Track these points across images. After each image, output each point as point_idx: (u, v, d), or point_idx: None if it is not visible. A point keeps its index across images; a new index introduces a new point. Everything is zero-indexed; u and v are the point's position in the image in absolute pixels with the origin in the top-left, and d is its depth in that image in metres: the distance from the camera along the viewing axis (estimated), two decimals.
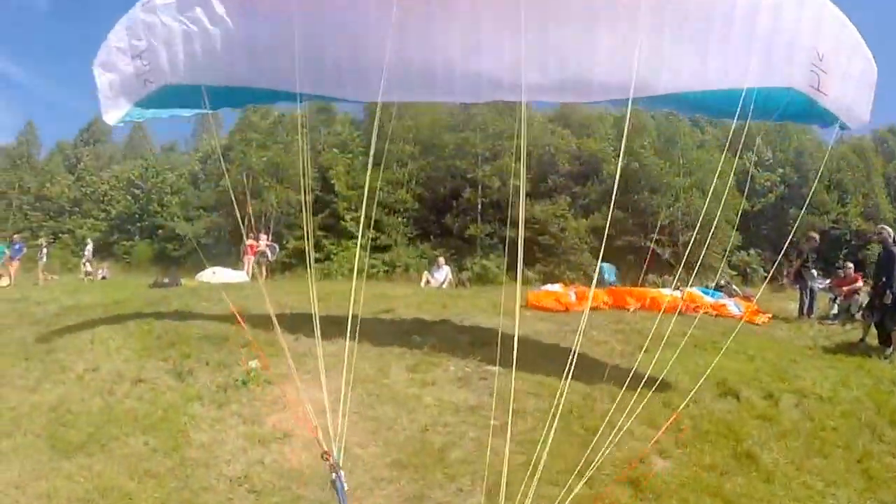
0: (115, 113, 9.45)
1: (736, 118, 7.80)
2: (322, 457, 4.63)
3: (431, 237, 43.99)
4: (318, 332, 6.19)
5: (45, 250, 30.35)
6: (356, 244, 41.66)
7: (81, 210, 57.97)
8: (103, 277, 30.18)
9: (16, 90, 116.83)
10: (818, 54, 7.81)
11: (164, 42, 8.59)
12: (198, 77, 8.84)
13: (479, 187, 43.19)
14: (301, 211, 42.58)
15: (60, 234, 53.19)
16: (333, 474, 4.54)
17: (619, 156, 42.55)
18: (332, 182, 43.38)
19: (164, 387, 9.51)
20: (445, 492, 6.72)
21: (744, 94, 7.44)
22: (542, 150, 44.88)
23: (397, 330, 11.98)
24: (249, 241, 27.71)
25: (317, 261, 40.72)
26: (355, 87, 9.27)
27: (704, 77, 8.12)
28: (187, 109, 10.29)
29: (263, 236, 29.12)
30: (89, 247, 33.74)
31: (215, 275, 24.34)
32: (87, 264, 31.57)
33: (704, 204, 35.66)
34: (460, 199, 44.22)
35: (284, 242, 36.89)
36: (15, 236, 31.71)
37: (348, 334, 5.95)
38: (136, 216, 50.79)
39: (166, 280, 25.44)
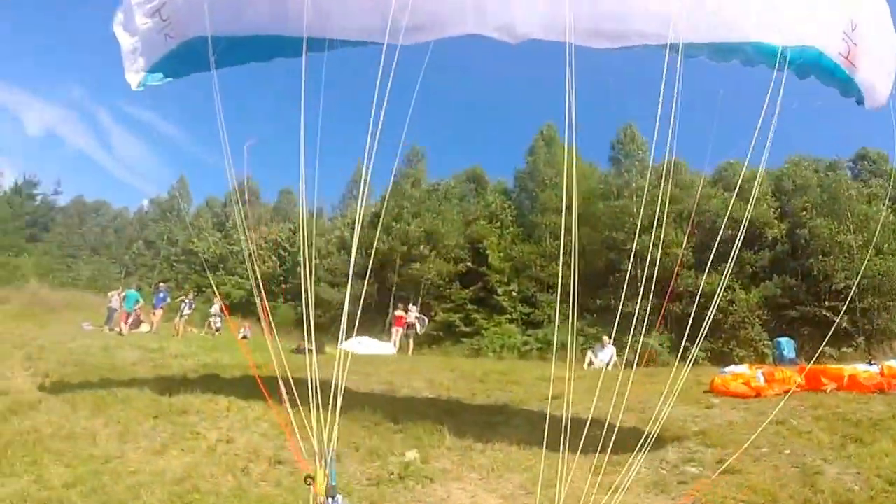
0: (135, 76, 9.02)
1: (775, 70, 6.91)
2: None
3: (587, 314, 41.38)
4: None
5: (189, 303, 30.61)
6: (509, 319, 40.27)
7: (227, 267, 59.73)
8: (244, 337, 30.11)
9: (169, 146, 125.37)
10: (851, 24, 7.45)
11: None
12: (219, 27, 8.24)
13: (637, 258, 40.78)
14: (450, 282, 41.68)
15: (204, 289, 54.77)
16: None
17: (780, 218, 39.83)
18: (486, 253, 42.03)
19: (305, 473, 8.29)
20: None
21: (780, 50, 7.04)
22: (701, 216, 42.06)
23: (572, 420, 10.19)
24: (398, 312, 27.09)
25: (466, 335, 39.79)
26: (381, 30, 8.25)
27: (743, 29, 7.51)
28: (209, 66, 9.11)
29: (413, 307, 28.38)
30: (216, 305, 34.02)
31: (361, 344, 23.41)
32: (214, 320, 31.64)
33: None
34: (619, 272, 41.12)
35: (433, 315, 35.78)
36: (160, 285, 32.77)
37: None
38: (281, 278, 51.60)
39: (310, 348, 24.80)
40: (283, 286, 47.82)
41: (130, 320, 27.83)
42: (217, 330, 30.32)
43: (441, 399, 11.55)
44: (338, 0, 7.84)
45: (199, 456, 9.13)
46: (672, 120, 5.67)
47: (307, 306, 5.31)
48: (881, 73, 8.02)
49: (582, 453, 8.64)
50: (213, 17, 8.02)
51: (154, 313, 28.87)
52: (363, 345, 23.59)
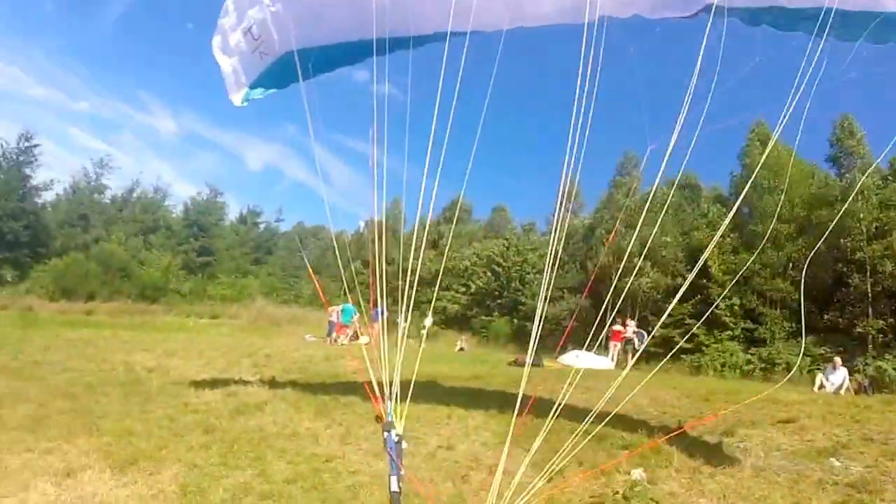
0: (238, 94, 9.57)
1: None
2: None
3: (813, 332, 37.18)
4: None
5: (428, 321, 32.27)
6: (730, 336, 38.36)
7: (442, 283, 61.88)
8: (461, 349, 30.94)
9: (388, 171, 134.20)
10: None
11: (269, 10, 8.60)
12: (307, 39, 8.75)
13: (868, 272, 37.16)
14: (668, 296, 40.27)
15: (420, 304, 56.81)
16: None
17: None
18: (708, 265, 40.25)
19: (526, 483, 8.48)
20: None
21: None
22: None
23: (808, 449, 9.82)
24: (616, 327, 26.91)
25: (686, 352, 38.29)
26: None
27: None
28: (306, 76, 9.38)
29: (631, 322, 28.10)
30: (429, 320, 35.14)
31: (578, 358, 23.50)
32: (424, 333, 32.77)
33: None
34: (847, 287, 37.72)
35: (650, 330, 34.97)
36: (379, 301, 34.41)
37: None
38: (496, 293, 52.35)
39: (522, 360, 25.07)
40: (498, 301, 48.74)
41: (350, 332, 29.77)
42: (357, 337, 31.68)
43: (666, 416, 11.34)
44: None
45: (419, 461, 9.55)
46: None
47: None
48: None
49: (820, 486, 8.29)
50: (300, 30, 8.57)
51: (372, 326, 30.51)
52: (581, 358, 23.58)
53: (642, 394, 13.08)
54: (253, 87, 9.65)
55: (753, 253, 40.45)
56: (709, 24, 5.61)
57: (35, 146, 55.77)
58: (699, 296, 40.07)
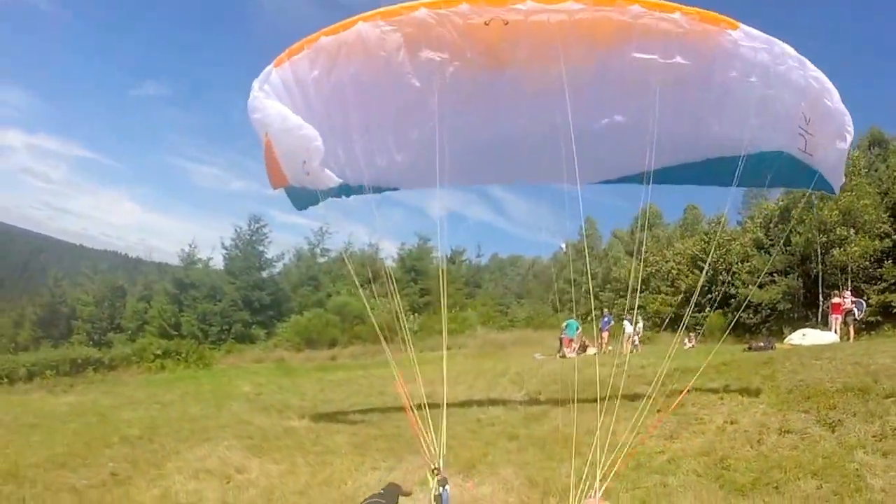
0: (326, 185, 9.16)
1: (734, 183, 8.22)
2: None
3: None
4: None
5: (639, 325, 34.44)
6: None
7: (650, 287, 62.62)
8: (692, 346, 31.93)
9: (559, 198, 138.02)
10: (805, 118, 8.01)
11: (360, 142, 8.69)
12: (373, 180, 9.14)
13: None
14: (879, 262, 39.03)
15: (632, 310, 57.72)
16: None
17: None
18: None
19: (816, 436, 10.26)
20: None
21: (741, 159, 7.95)
22: None
23: None
24: (835, 300, 27.12)
25: None
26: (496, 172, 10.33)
27: (699, 148, 8.75)
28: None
29: (847, 293, 28.22)
30: (640, 325, 36.45)
31: (805, 337, 24.42)
32: (633, 338, 34.00)
33: None
34: None
35: (867, 298, 34.34)
36: (605, 311, 37.31)
37: None
38: (705, 288, 52.39)
39: (762, 344, 25.89)
40: (709, 296, 49.05)
41: (577, 345, 31.92)
42: (636, 346, 33.09)
43: None
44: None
45: (711, 436, 10.99)
46: None
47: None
48: (839, 157, 8.75)
49: None
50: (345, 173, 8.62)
51: (602, 335, 33.07)
52: (807, 336, 24.49)
53: (885, 354, 14.22)
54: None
55: None
56: None
57: (264, 226, 64.56)
58: None
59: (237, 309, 58.08)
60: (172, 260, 74.64)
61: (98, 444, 13.52)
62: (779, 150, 8.70)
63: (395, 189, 10.88)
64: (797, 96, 7.85)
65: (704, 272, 47.11)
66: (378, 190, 9.83)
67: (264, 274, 63.22)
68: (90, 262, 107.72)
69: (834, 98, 8.03)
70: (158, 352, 37.58)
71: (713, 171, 9.29)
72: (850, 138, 8.49)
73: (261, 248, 63.89)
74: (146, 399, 20.33)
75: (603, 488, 5.43)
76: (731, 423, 11.66)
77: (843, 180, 9.42)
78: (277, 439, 13.84)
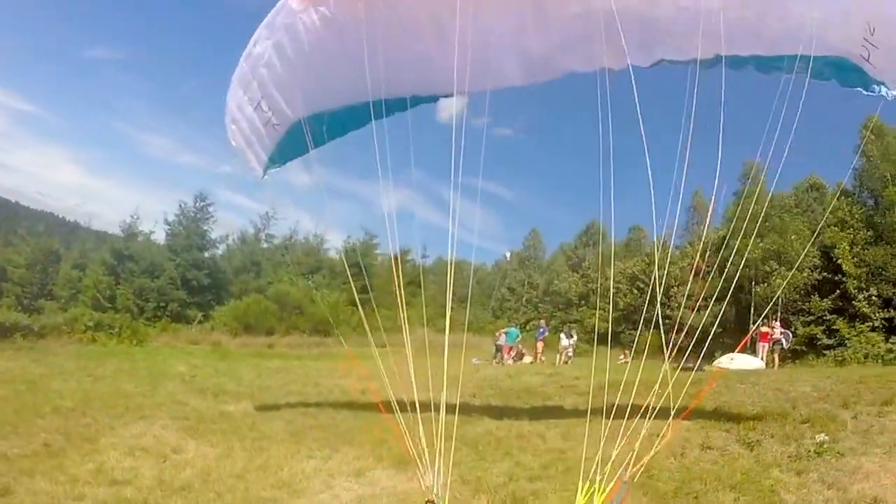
0: (258, 168, 9.73)
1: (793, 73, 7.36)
2: None
3: None
4: None
5: (573, 338, 35.10)
6: (871, 327, 38.88)
7: (588, 303, 64.04)
8: (626, 361, 32.81)
9: (511, 209, 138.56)
10: (870, 28, 7.29)
11: (272, 84, 8.68)
12: (312, 106, 9.10)
13: None
14: (807, 294, 41.01)
15: (570, 323, 58.88)
16: None
17: None
18: (838, 261, 41.17)
19: (735, 454, 10.84)
20: None
21: (812, 59, 7.29)
22: None
23: None
24: (763, 329, 28.28)
25: (828, 347, 39.21)
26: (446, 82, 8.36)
27: (765, 44, 7.94)
28: (319, 142, 9.70)
29: (776, 324, 29.45)
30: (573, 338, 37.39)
31: (733, 361, 25.30)
32: (568, 350, 34.91)
33: None
34: None
35: (793, 329, 36.00)
36: (541, 321, 37.98)
37: None
38: (642, 308, 53.66)
39: (691, 365, 26.61)
40: (644, 315, 50.25)
41: (514, 353, 32.69)
42: (570, 358, 34.03)
43: (830, 397, 13.14)
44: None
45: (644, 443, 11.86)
46: None
47: None
48: None
49: None
50: (306, 98, 8.90)
51: (537, 345, 33.78)
52: (735, 361, 25.37)
53: (805, 383, 15.14)
54: (273, 159, 9.87)
55: (884, 244, 40.95)
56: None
57: (209, 205, 62.81)
58: (837, 291, 40.86)
59: (175, 287, 56.86)
60: (112, 229, 71.97)
61: (29, 412, 13.37)
62: (842, 57, 8.05)
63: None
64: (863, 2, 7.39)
65: (652, 287, 47.86)
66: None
67: (206, 254, 61.89)
68: (27, 223, 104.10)
69: None
70: (90, 323, 36.66)
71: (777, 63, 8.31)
72: None
73: (205, 228, 62.42)
74: (77, 371, 19.98)
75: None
76: (658, 436, 12.17)
77: None
78: (213, 422, 13.87)
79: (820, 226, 43.98)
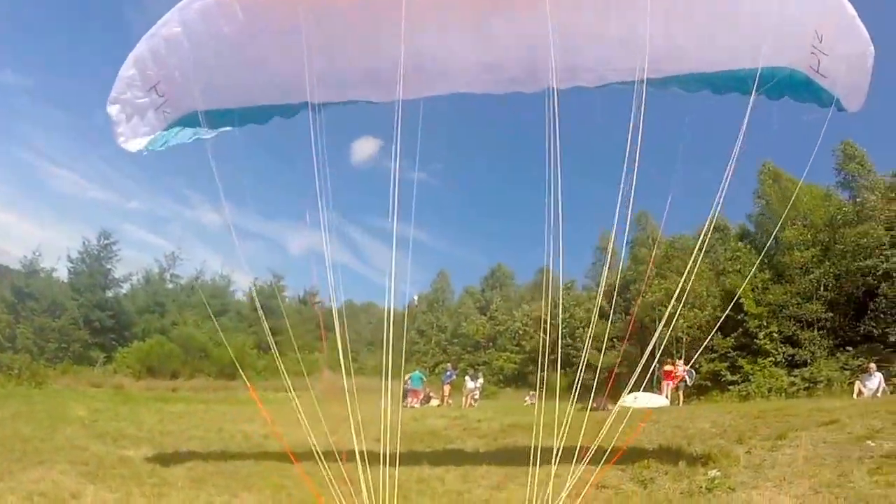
0: (134, 142, 9.36)
1: (753, 92, 7.67)
2: None
3: (849, 346, 39.29)
4: None
5: (479, 381, 35.53)
6: (773, 362, 40.26)
7: (496, 345, 64.64)
8: (532, 403, 33.14)
9: (423, 249, 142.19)
10: (818, 36, 7.69)
11: (176, 69, 8.54)
12: (215, 101, 9.05)
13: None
14: (709, 332, 42.34)
15: (477, 366, 59.22)
16: None
17: None
18: (741, 301, 42.49)
19: (628, 492, 10.97)
20: None
21: (758, 73, 7.62)
22: None
23: (848, 438, 12.14)
24: (667, 367, 28.94)
25: (733, 382, 40.42)
26: (372, 88, 9.12)
27: (712, 60, 8.23)
28: (209, 131, 9.71)
29: (680, 362, 30.21)
30: (480, 380, 37.85)
31: (637, 400, 25.62)
32: (473, 393, 35.38)
33: None
34: (877, 298, 39.26)
35: (698, 367, 37.05)
36: (448, 365, 38.36)
37: None
38: (549, 349, 54.18)
39: (595, 405, 27.02)
40: (551, 356, 51.01)
41: (422, 396, 32.83)
42: (475, 400, 34.44)
43: (727, 433, 13.50)
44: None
45: (535, 487, 11.91)
46: None
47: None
48: (855, 78, 8.20)
49: (859, 461, 10.76)
50: (208, 94, 8.82)
51: (444, 388, 34.14)
52: (639, 399, 25.74)
53: (705, 419, 15.63)
54: (155, 140, 9.58)
55: (784, 282, 42.74)
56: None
57: (114, 243, 61.32)
58: (739, 329, 42.21)
59: (77, 328, 54.81)
60: (13, 264, 68.34)
61: None
62: (790, 68, 8.33)
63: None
64: (811, 9, 7.67)
65: (560, 329, 49.10)
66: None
67: (109, 293, 60.24)
68: None
69: (848, 14, 7.67)
70: None
71: (725, 82, 8.75)
72: (870, 60, 7.95)
73: (108, 266, 60.90)
74: None
75: None
76: (556, 476, 12.29)
77: (863, 101, 8.65)
78: (113, 468, 13.33)
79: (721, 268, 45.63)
